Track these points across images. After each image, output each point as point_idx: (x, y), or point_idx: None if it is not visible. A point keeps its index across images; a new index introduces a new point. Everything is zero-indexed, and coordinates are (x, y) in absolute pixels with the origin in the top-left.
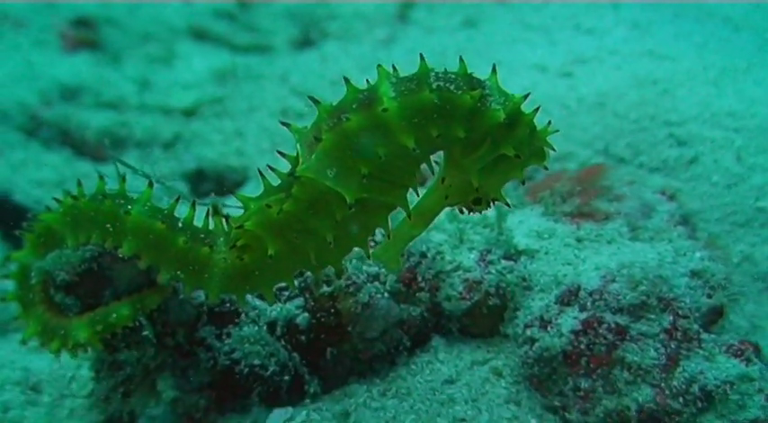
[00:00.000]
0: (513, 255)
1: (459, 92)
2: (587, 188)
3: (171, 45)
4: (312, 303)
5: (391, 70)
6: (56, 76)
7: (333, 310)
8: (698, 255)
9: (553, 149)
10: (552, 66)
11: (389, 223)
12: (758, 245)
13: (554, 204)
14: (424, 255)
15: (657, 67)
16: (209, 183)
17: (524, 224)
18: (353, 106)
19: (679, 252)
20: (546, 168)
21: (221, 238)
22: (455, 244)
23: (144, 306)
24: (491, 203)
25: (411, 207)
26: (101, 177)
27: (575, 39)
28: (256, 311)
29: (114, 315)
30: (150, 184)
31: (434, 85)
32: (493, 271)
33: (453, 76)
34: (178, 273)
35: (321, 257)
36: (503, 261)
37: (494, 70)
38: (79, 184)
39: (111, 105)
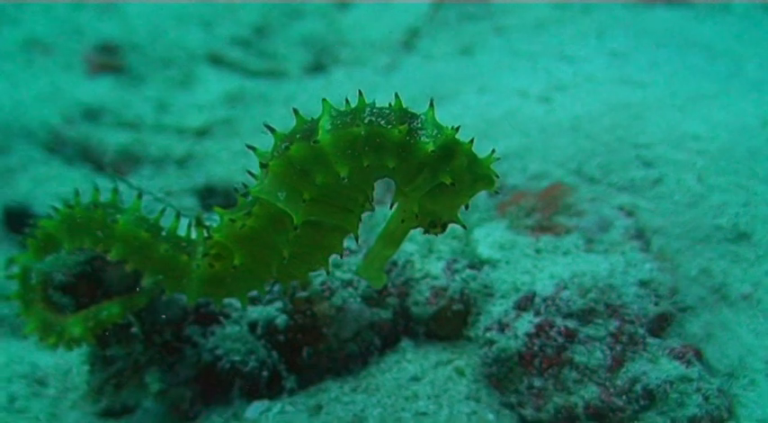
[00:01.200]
0: (476, 264)
1: (390, 126)
2: (550, 204)
3: (189, 69)
4: (290, 306)
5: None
6: (79, 97)
7: (309, 313)
8: (647, 266)
9: (496, 176)
10: (533, 91)
11: (343, 245)
12: (715, 259)
13: (518, 218)
14: (394, 263)
15: (630, 94)
16: (218, 197)
17: (490, 236)
18: (297, 136)
19: (630, 263)
20: (496, 193)
21: (200, 247)
22: (424, 253)
23: (133, 305)
24: (446, 226)
25: (381, 229)
26: (95, 188)
27: (556, 66)
28: (239, 313)
29: (105, 313)
30: (139, 196)
31: (367, 120)
32: (458, 279)
33: (387, 111)
34: (159, 277)
35: (283, 270)
36: (467, 270)
37: (431, 105)
38: (76, 193)
39: (129, 125)
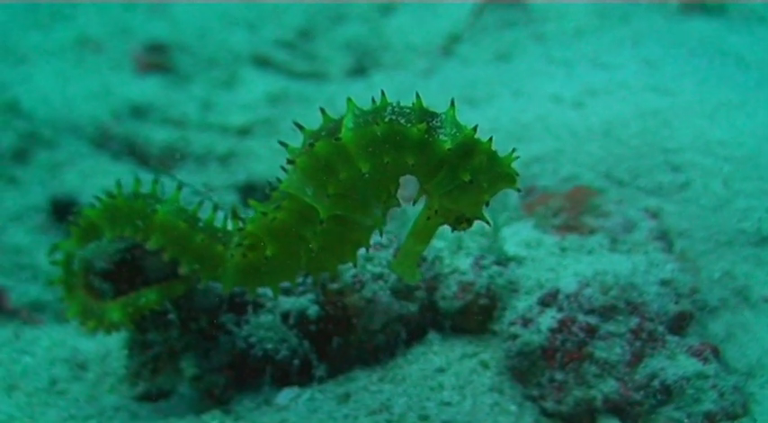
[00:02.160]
0: (503, 261)
1: (409, 125)
2: (577, 205)
3: (234, 70)
4: (322, 297)
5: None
6: (127, 95)
7: (340, 304)
8: (669, 266)
9: (516, 174)
10: (566, 96)
11: (370, 240)
12: (738, 262)
13: (545, 218)
14: (423, 258)
15: (660, 101)
16: (258, 194)
17: (517, 235)
18: (323, 134)
19: (652, 263)
20: (519, 190)
21: (235, 238)
22: (454, 250)
23: (170, 293)
24: (471, 222)
25: (410, 226)
26: (137, 179)
27: (590, 72)
28: (273, 303)
29: (143, 299)
30: (179, 188)
31: (387, 119)
32: (485, 275)
33: (408, 110)
34: (196, 266)
35: (313, 263)
36: (494, 266)
37: (452, 105)
38: (118, 184)
39: (174, 123)
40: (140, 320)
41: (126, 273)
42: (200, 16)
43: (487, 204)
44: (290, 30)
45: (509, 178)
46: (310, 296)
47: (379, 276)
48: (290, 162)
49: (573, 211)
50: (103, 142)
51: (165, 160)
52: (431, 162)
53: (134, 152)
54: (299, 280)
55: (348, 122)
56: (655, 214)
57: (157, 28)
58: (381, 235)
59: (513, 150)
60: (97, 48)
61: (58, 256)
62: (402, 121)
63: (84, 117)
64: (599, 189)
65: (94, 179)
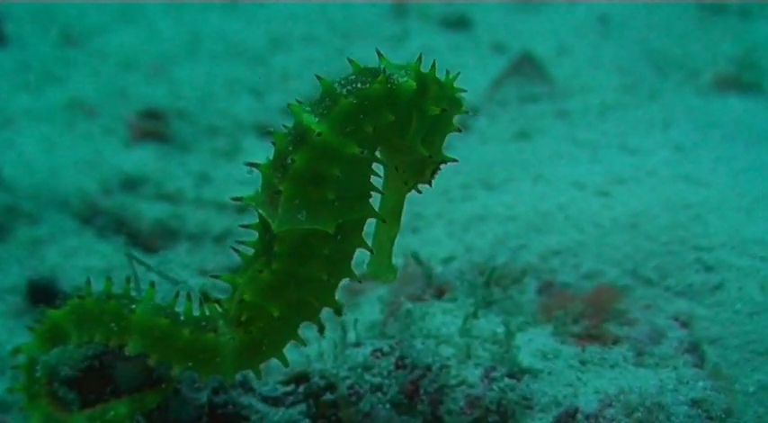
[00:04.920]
0: (516, 373)
1: (367, 85)
2: (600, 310)
3: (236, 140)
4: (314, 410)
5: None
6: (119, 165)
7: (334, 418)
8: (701, 384)
9: (463, 91)
10: (591, 183)
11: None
12: None
13: (564, 324)
14: (428, 368)
15: (693, 192)
16: None
17: (532, 343)
18: (290, 149)
19: (682, 380)
20: (467, 112)
21: (221, 322)
22: (462, 359)
23: (143, 405)
24: (435, 172)
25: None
26: (108, 278)
27: (617, 158)
28: (259, 415)
29: (112, 413)
30: (152, 285)
31: (344, 91)
32: (495, 388)
33: (353, 77)
34: (189, 364)
35: (321, 300)
36: (506, 379)
37: (379, 55)
38: (88, 282)
39: (168, 197)
40: None
41: (94, 381)
42: (203, 81)
43: (459, 131)
44: (296, 97)
45: (459, 103)
46: (301, 408)
47: (378, 387)
48: (276, 193)
49: (595, 318)
50: (90, 217)
51: (155, 239)
52: (403, 110)
53: (122, 229)
54: (291, 389)
55: (310, 119)
56: (685, 323)
57: (156, 92)
58: (383, 221)
59: (447, 72)
60: (89, 112)
61: (21, 360)
62: (358, 85)
63: (71, 189)
64: (623, 288)
65: (77, 258)
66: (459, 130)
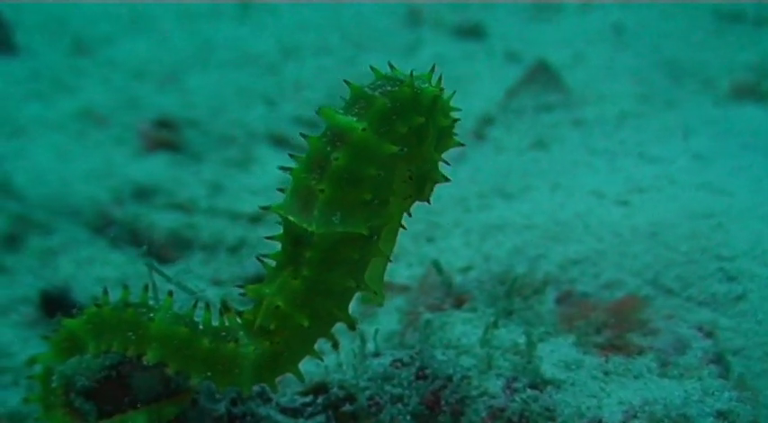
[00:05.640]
0: (539, 384)
1: (396, 88)
2: (623, 320)
3: (249, 149)
4: (334, 421)
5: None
6: (131, 175)
7: None
8: (726, 395)
9: (458, 109)
10: (610, 193)
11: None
12: None
13: (586, 335)
14: (449, 378)
15: (713, 201)
16: None
17: (555, 353)
18: (328, 149)
19: (707, 391)
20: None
21: (241, 332)
22: (483, 369)
23: (161, 416)
24: (432, 189)
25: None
26: (125, 287)
27: (636, 166)
28: None
29: None
30: (170, 293)
31: (378, 93)
32: (518, 399)
33: (379, 82)
34: (208, 373)
35: (341, 311)
36: (528, 390)
37: (391, 67)
38: (105, 292)
39: (181, 207)
40: None
41: (111, 392)
42: (215, 90)
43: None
44: (309, 106)
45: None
46: (320, 418)
47: (399, 398)
48: (312, 193)
49: (618, 328)
50: (102, 227)
51: (168, 249)
52: (425, 115)
53: (135, 239)
54: (309, 400)
55: (348, 120)
56: (709, 333)
57: (168, 101)
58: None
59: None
60: (101, 121)
61: (37, 370)
62: (388, 88)
63: (83, 199)
64: (644, 298)
65: (90, 268)
66: (463, 144)
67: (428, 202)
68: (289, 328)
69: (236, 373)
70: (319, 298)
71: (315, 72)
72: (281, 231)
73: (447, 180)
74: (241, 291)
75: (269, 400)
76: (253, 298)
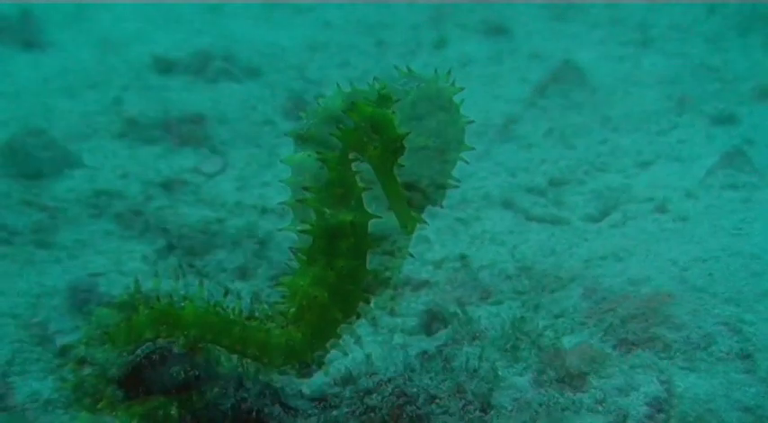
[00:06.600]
0: (564, 377)
1: (422, 85)
2: (649, 315)
3: (275, 146)
4: (361, 411)
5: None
6: (160, 169)
7: (380, 420)
8: (753, 390)
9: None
10: (636, 189)
11: None
12: None
13: (612, 328)
14: (475, 370)
15: (739, 197)
16: None
17: (580, 347)
18: (365, 139)
19: (733, 386)
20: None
21: (272, 323)
22: (510, 363)
23: (191, 405)
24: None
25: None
26: (156, 275)
27: (663, 165)
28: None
29: (161, 412)
30: (201, 283)
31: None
32: (544, 392)
33: (405, 81)
34: (242, 361)
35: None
36: (555, 383)
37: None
38: (136, 281)
39: (209, 203)
40: None
41: (141, 381)
42: (242, 87)
43: None
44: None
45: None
46: (347, 409)
47: (425, 389)
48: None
49: (644, 322)
50: (131, 221)
51: (196, 245)
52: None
53: (163, 234)
54: (337, 390)
55: (387, 115)
56: (735, 329)
57: (196, 99)
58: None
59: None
60: (130, 119)
61: (70, 359)
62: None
63: (113, 193)
64: (670, 293)
65: (118, 261)
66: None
67: (441, 206)
68: (321, 318)
69: (265, 363)
70: (348, 285)
71: (339, 70)
72: (313, 225)
73: (457, 185)
74: (275, 284)
75: (276, 398)
76: (287, 290)
